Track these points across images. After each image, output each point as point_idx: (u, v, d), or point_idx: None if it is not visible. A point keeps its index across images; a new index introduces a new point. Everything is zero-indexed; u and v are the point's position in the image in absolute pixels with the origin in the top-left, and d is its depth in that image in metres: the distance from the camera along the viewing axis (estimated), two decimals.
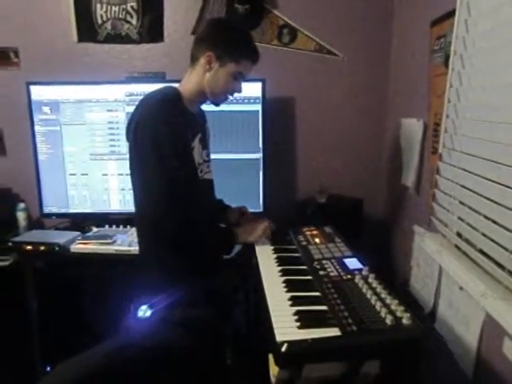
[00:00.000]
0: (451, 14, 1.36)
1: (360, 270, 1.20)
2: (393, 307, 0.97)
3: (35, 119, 2.03)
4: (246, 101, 2.01)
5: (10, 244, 1.88)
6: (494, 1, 1.14)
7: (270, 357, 0.95)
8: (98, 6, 2.11)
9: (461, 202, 1.27)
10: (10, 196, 2.21)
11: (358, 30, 2.12)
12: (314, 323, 0.93)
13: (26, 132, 2.05)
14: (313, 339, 0.88)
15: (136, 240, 1.50)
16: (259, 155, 2.06)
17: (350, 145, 2.23)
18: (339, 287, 1.10)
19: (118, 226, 2.02)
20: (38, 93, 2.01)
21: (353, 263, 1.26)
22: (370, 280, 1.13)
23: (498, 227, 1.05)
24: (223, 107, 1.97)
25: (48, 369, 1.98)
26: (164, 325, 1.32)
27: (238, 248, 1.51)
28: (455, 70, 1.33)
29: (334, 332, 0.90)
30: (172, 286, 1.31)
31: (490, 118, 1.14)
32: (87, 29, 2.13)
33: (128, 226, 2.00)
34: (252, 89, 1.99)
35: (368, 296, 1.04)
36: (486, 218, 1.12)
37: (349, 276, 1.17)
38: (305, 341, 0.87)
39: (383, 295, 1.03)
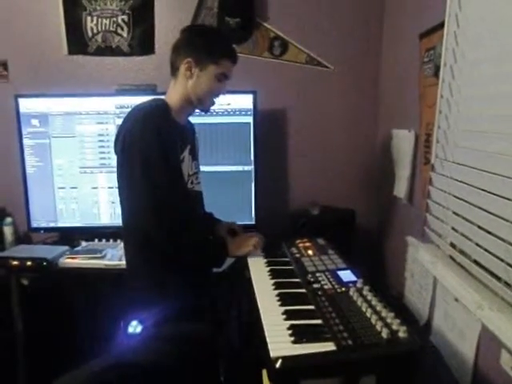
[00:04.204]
0: (440, 26, 1.37)
1: (354, 283, 1.18)
2: (389, 320, 0.95)
3: (24, 132, 2.00)
4: (237, 113, 2.01)
5: None
6: (482, 12, 1.15)
7: (264, 372, 0.92)
8: (89, 18, 2.10)
9: (454, 213, 1.27)
10: None
11: (348, 42, 2.14)
12: (309, 338, 0.91)
13: (14, 145, 2.02)
14: (308, 354, 0.85)
15: None
16: (251, 167, 2.05)
17: (342, 156, 2.23)
18: (333, 300, 1.08)
19: (107, 240, 1.99)
20: (27, 105, 1.99)
21: (347, 275, 1.24)
22: (364, 292, 1.11)
23: (493, 237, 1.05)
24: (215, 119, 2.00)
25: None
26: (155, 341, 1.29)
27: (229, 261, 1.48)
28: (446, 81, 1.34)
29: (329, 347, 0.88)
30: (162, 300, 1.29)
31: (481, 128, 1.15)
32: (77, 41, 2.12)
33: (118, 240, 1.96)
34: (243, 101, 1.99)
35: (363, 309, 1.02)
36: (480, 228, 1.11)
37: (343, 289, 1.15)
38: (300, 356, 0.85)
39: (378, 308, 1.01)
